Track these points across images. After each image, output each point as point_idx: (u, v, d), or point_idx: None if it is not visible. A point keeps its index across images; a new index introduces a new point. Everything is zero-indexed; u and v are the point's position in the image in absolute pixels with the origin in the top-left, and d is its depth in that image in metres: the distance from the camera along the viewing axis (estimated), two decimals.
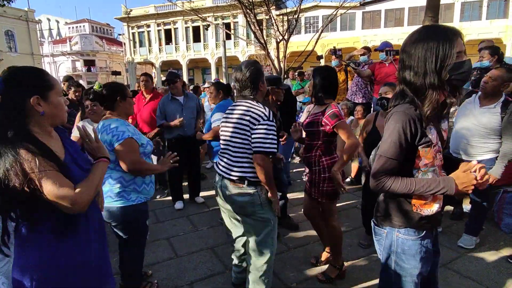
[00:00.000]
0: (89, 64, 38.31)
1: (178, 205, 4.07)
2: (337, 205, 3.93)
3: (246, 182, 1.95)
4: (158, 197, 4.45)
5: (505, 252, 2.79)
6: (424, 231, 1.33)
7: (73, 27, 44.24)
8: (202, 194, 4.34)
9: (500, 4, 20.95)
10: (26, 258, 1.19)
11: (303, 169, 5.13)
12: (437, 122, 1.30)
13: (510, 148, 2.53)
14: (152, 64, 31.06)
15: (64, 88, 4.52)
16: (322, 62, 15.95)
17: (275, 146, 1.88)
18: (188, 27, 28.91)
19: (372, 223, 1.47)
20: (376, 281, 2.42)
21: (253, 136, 1.86)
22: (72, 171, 1.23)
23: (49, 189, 1.12)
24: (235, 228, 2.26)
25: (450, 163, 2.48)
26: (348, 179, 4.78)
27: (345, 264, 2.70)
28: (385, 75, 4.82)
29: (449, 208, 3.54)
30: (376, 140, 2.75)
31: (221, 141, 2.08)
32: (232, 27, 25.46)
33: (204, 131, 3.61)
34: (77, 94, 4.23)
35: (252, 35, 12.82)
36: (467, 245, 2.87)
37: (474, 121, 2.73)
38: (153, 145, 2.28)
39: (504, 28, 21.13)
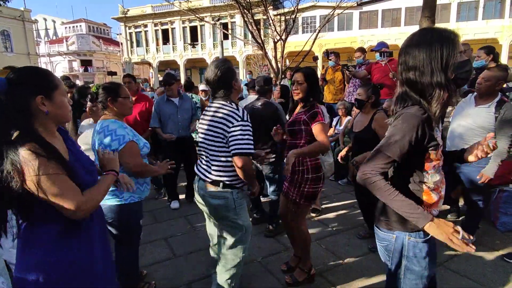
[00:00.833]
0: (86, 64, 38.16)
1: (174, 204, 4.07)
2: (335, 204, 3.98)
3: (221, 184, 1.92)
4: (156, 197, 4.45)
5: (501, 250, 2.81)
6: None
7: (69, 27, 44.06)
8: None
9: (496, 5, 21.09)
10: (30, 259, 1.19)
11: None
12: (439, 123, 1.31)
13: (503, 148, 2.55)
14: (150, 64, 30.99)
15: None
16: (319, 63, 16.00)
17: (252, 146, 1.85)
18: (186, 27, 28.87)
19: (376, 229, 1.45)
20: (374, 279, 2.44)
21: (229, 138, 1.83)
22: (77, 172, 1.24)
23: (54, 192, 1.12)
24: (216, 231, 2.23)
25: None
26: (345, 180, 4.80)
27: (342, 262, 2.72)
28: (381, 74, 4.85)
29: (446, 207, 3.56)
30: (362, 139, 2.83)
31: (198, 142, 2.07)
32: (229, 27, 25.45)
33: None
34: (69, 95, 4.20)
35: (250, 35, 12.81)
36: None
37: (469, 120, 2.75)
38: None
39: (500, 28, 21.26)
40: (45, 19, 49.24)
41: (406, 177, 1.31)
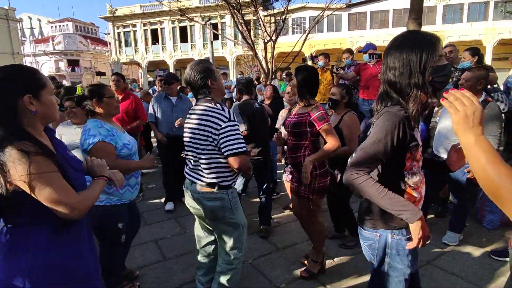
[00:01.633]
0: (73, 64, 37.43)
1: (168, 206, 4.04)
2: (325, 205, 3.99)
3: (216, 187, 1.91)
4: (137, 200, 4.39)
5: (488, 247, 2.87)
6: None
7: (56, 26, 43.16)
8: None
9: (480, 7, 21.63)
10: (17, 263, 1.15)
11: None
12: (418, 124, 1.34)
13: None
14: (139, 64, 30.65)
15: None
16: (309, 64, 16.09)
17: (243, 144, 1.86)
18: (175, 27, 28.65)
19: (359, 228, 1.47)
20: (365, 278, 2.46)
21: (220, 141, 1.81)
22: (68, 172, 1.21)
23: (49, 191, 1.10)
24: (206, 234, 2.21)
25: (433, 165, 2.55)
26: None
27: (333, 261, 2.73)
28: (370, 76, 4.91)
29: (433, 206, 3.62)
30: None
31: (185, 145, 2.04)
32: (219, 27, 25.37)
33: None
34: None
35: (240, 36, 12.80)
36: (451, 241, 2.94)
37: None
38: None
39: (484, 31, 21.82)
40: (30, 18, 48.18)
41: (387, 177, 1.33)
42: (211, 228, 2.13)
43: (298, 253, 2.88)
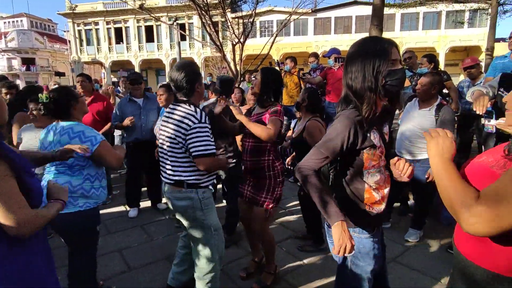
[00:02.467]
0: (28, 62, 34.88)
1: (132, 212, 3.86)
2: (294, 207, 4.04)
3: (185, 185, 1.93)
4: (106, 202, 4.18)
5: (445, 243, 3.05)
6: (375, 229, 1.42)
7: (9, 22, 40.05)
8: (163, 200, 4.15)
9: (434, 17, 23.23)
10: None
11: None
12: (380, 126, 1.40)
13: None
14: (102, 64, 29.28)
15: None
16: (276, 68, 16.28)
17: (212, 146, 1.88)
18: (141, 26, 27.77)
19: (325, 227, 1.51)
20: (332, 278, 2.51)
21: (188, 141, 1.84)
22: (24, 178, 1.13)
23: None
24: None
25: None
26: (291, 179, 4.88)
27: (303, 263, 2.76)
28: (336, 79, 5.06)
29: (396, 204, 3.79)
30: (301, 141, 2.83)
31: (158, 146, 2.07)
32: (187, 27, 24.94)
33: None
34: (9, 96, 3.79)
35: (208, 37, 12.66)
36: (413, 238, 3.09)
37: (414, 123, 2.96)
38: None
39: (437, 38, 23.47)
40: None
41: (347, 177, 1.39)
42: None
43: None
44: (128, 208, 3.99)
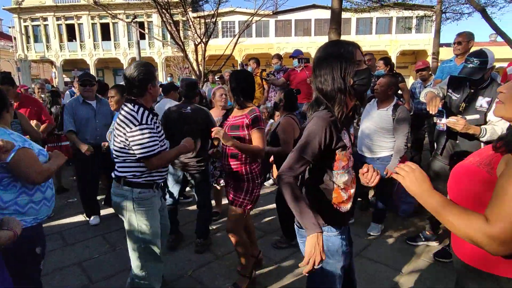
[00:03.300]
0: None
1: (94, 220, 3.64)
2: (264, 207, 4.06)
3: (122, 181, 1.93)
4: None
5: (404, 234, 3.25)
6: (342, 226, 1.46)
7: None
8: None
9: (386, 22, 24.73)
10: None
11: None
12: (348, 126, 1.45)
13: (400, 145, 2.97)
14: (52, 63, 27.22)
15: None
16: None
17: (154, 147, 1.88)
18: (95, 23, 26.22)
19: (295, 226, 1.53)
20: (303, 277, 2.56)
21: (130, 143, 1.86)
22: None
23: None
24: None
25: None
26: (271, 181, 4.96)
27: (274, 264, 2.78)
28: (299, 80, 5.19)
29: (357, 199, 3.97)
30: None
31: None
32: (146, 26, 24.05)
33: None
34: None
35: (169, 36, 12.31)
36: (375, 232, 3.25)
37: (373, 122, 3.12)
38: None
39: (389, 42, 25.02)
40: None
41: (317, 177, 1.42)
42: None
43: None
44: (87, 217, 3.75)
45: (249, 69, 6.04)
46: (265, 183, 4.94)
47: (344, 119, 1.37)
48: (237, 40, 12.19)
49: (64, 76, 26.28)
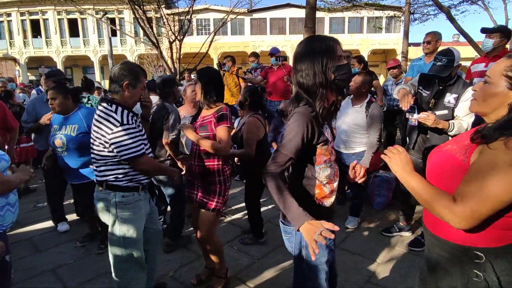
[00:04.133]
0: None
1: (62, 227, 3.47)
2: (242, 205, 4.05)
3: (104, 185, 1.83)
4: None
5: (380, 226, 3.38)
6: (327, 221, 1.47)
7: None
8: None
9: (357, 21, 25.45)
10: None
11: None
12: (329, 121, 1.47)
13: (373, 141, 3.08)
14: (15, 60, 25.65)
15: None
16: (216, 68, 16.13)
17: (139, 147, 1.80)
18: (62, 18, 24.97)
19: (280, 223, 1.54)
20: (284, 272, 2.60)
21: (112, 146, 1.75)
22: None
23: None
24: None
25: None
26: (237, 177, 4.94)
27: (255, 260, 2.79)
28: (276, 78, 5.24)
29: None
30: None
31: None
32: (117, 22, 23.24)
33: None
34: None
35: (141, 33, 11.98)
36: (352, 225, 3.36)
37: (348, 119, 3.21)
38: None
39: (361, 41, 25.78)
40: None
41: (299, 173, 1.43)
42: None
43: None
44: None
45: (225, 69, 6.01)
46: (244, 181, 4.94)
47: (326, 113, 1.38)
48: (213, 38, 12.10)
49: (29, 74, 24.89)
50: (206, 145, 2.14)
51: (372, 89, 4.45)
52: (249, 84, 5.65)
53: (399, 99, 2.65)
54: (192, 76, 8.92)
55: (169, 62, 11.30)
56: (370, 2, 14.32)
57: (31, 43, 25.28)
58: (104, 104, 1.79)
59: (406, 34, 12.29)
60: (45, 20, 24.95)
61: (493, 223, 0.99)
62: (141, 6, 10.10)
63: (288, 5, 25.34)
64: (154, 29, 11.66)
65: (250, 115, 2.89)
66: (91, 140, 1.83)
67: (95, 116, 1.81)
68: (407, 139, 3.03)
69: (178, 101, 4.99)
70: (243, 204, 4.05)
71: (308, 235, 1.19)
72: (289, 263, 2.65)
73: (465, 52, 9.54)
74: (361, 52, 24.98)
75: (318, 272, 1.47)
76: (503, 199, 0.91)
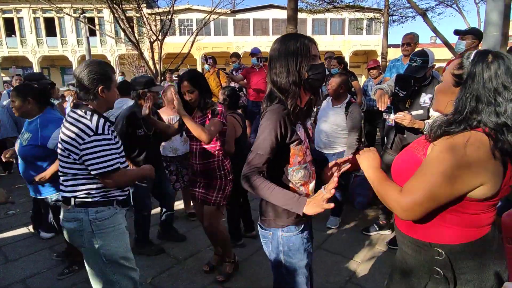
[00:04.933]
0: None
1: (46, 234, 3.29)
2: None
3: (73, 202, 1.61)
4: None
5: (360, 225, 3.41)
6: (303, 225, 1.43)
7: None
8: None
9: (339, 23, 25.87)
10: None
11: None
12: (304, 121, 1.46)
13: (352, 141, 3.11)
14: None
15: None
16: (199, 66, 16.01)
17: (113, 161, 1.61)
18: (38, 17, 24.11)
19: (258, 227, 1.51)
20: (268, 273, 2.57)
21: (84, 158, 1.56)
22: None
23: None
24: None
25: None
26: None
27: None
28: (257, 79, 5.22)
29: None
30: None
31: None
32: (97, 22, 22.66)
33: None
34: None
35: (122, 33, 11.72)
36: (333, 225, 3.38)
37: (328, 119, 3.23)
38: None
39: (343, 43, 26.22)
40: None
41: (272, 174, 1.38)
42: None
43: (201, 262, 2.79)
44: (31, 230, 3.44)
45: (206, 67, 5.95)
46: None
47: (299, 112, 1.37)
48: (195, 38, 11.97)
49: (3, 75, 23.87)
50: (190, 124, 2.15)
51: (353, 89, 4.50)
52: (231, 83, 5.62)
53: (376, 99, 2.68)
54: (174, 76, 8.79)
55: (150, 62, 11.11)
56: (350, 4, 14.57)
57: (4, 42, 24.27)
58: (78, 111, 1.62)
59: (385, 35, 12.58)
60: (19, 18, 24.02)
61: (446, 219, 1.04)
62: (120, 6, 9.88)
63: (271, 6, 25.45)
64: (135, 28, 11.44)
65: (228, 114, 2.90)
66: (59, 151, 1.64)
67: (65, 124, 1.62)
68: (385, 138, 3.08)
69: (157, 103, 4.89)
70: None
71: (315, 208, 1.20)
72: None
73: (442, 53, 9.84)
74: (343, 53, 25.41)
75: (298, 276, 1.45)
76: (439, 191, 0.97)
